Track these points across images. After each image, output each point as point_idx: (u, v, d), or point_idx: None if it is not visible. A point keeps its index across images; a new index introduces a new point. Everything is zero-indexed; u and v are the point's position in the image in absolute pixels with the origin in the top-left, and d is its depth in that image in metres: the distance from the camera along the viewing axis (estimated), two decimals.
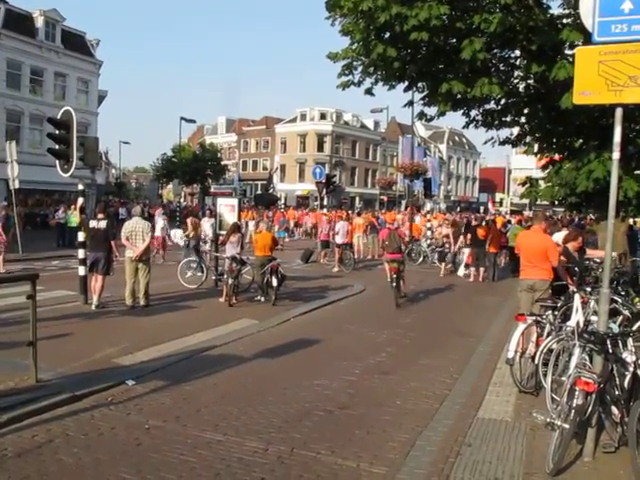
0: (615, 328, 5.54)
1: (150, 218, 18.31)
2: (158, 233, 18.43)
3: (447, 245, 19.32)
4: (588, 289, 7.07)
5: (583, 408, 4.53)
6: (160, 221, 19.92)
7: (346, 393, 6.70)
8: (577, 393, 4.52)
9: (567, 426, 4.54)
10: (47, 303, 10.30)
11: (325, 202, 26.13)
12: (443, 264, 18.75)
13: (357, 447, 5.16)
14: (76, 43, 38.26)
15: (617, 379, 4.90)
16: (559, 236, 9.98)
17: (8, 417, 5.29)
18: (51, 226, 24.60)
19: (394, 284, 12.74)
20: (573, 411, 4.53)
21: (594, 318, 6.26)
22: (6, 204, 22.41)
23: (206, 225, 16.65)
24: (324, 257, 20.99)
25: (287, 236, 29.45)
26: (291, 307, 11.96)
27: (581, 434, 4.86)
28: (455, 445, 5.23)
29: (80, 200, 12.01)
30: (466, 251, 18.28)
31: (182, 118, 40.84)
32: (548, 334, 6.66)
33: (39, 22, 35.78)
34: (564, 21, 10.43)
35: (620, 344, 5.22)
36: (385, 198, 69.57)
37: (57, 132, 11.32)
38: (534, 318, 6.87)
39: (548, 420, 4.76)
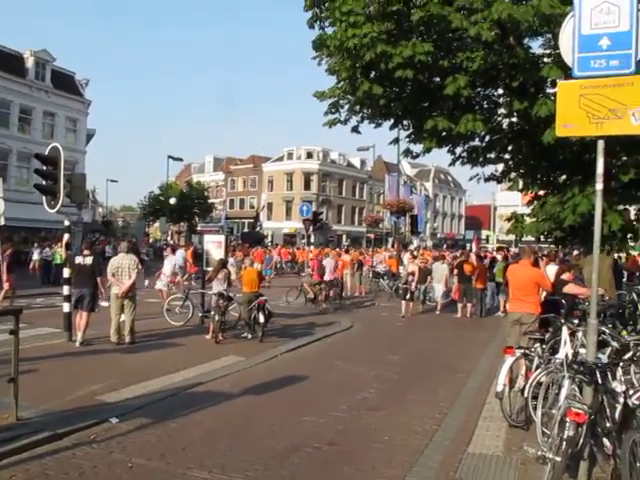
0: (604, 359, 5.52)
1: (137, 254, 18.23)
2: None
3: (412, 282, 17.46)
4: (575, 321, 7.07)
5: (575, 440, 4.46)
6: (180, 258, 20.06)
7: (334, 429, 6.58)
8: (568, 424, 4.47)
9: (559, 459, 4.46)
10: (31, 340, 10.14)
11: (312, 239, 26.12)
12: (404, 303, 17.12)
13: None
14: (66, 83, 38.65)
15: (608, 410, 4.85)
16: (551, 270, 10.05)
17: (12, 447, 5.13)
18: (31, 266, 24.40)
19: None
20: (565, 443, 4.45)
21: (583, 350, 6.23)
22: None
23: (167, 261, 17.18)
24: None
25: (273, 273, 29.34)
26: (278, 344, 11.83)
27: (573, 467, 4.78)
28: None
29: (66, 236, 11.94)
30: (436, 287, 18.56)
31: (170, 156, 41.18)
32: (537, 367, 6.62)
33: (29, 62, 36.19)
34: (545, 60, 10.72)
35: (609, 375, 5.20)
36: (372, 235, 69.73)
37: (44, 168, 11.31)
38: (522, 351, 6.85)
39: (539, 453, 4.67)
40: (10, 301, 15.76)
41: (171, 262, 17.22)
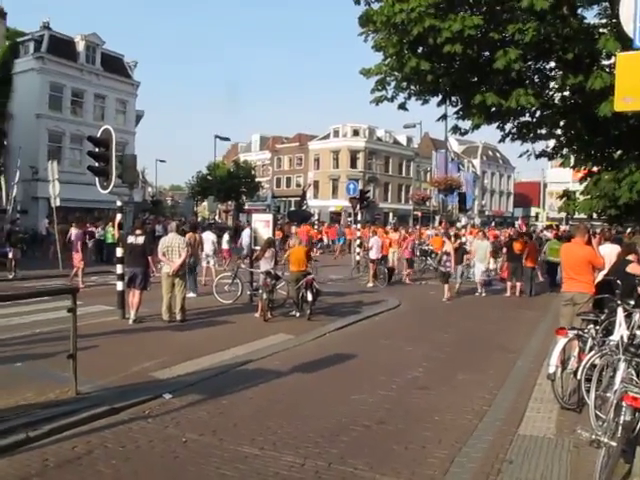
0: None
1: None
2: (225, 246, 20.91)
3: (448, 264, 16.28)
4: (632, 302, 6.85)
5: (631, 425, 4.35)
6: (226, 236, 21.84)
7: (383, 408, 6.61)
8: (624, 409, 4.35)
9: (614, 444, 4.36)
10: (86, 318, 10.46)
11: (359, 218, 26.06)
12: (446, 286, 16.12)
13: (395, 463, 5.07)
14: (115, 65, 39.36)
15: None
16: (609, 249, 9.76)
17: (49, 428, 5.37)
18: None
19: None
20: (620, 428, 4.35)
21: (639, 332, 6.07)
22: (48, 221, 23.09)
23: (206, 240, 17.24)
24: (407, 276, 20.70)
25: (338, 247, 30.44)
26: (326, 322, 11.91)
27: (629, 452, 4.66)
28: (496, 462, 5.09)
29: (118, 216, 12.24)
30: (478, 266, 17.49)
31: (217, 136, 41.54)
32: (590, 349, 6.47)
33: (80, 46, 36.98)
34: (600, 30, 10.32)
35: None
36: (419, 213, 69.10)
37: (97, 150, 11.59)
38: (575, 332, 6.69)
39: (593, 437, 4.58)
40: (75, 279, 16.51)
41: (210, 241, 17.62)
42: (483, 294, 17.14)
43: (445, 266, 16.37)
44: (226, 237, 21.64)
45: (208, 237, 17.67)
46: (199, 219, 51.58)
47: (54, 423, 5.49)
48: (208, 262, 17.43)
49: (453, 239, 18.00)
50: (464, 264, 17.90)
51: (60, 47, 35.57)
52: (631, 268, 8.17)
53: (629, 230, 23.43)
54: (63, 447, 5.17)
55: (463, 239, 25.62)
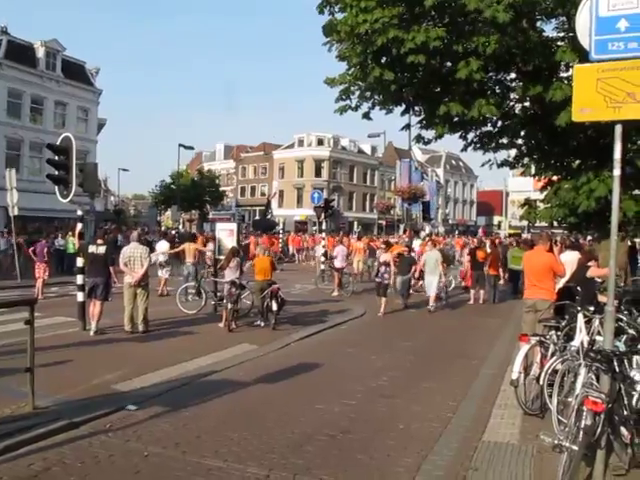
0: (621, 346, 5.46)
1: (149, 244, 18.49)
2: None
3: (386, 275, 14.75)
4: (591, 308, 7.00)
5: (592, 429, 4.42)
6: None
7: (348, 417, 6.58)
8: (585, 413, 4.42)
9: (576, 448, 4.42)
10: (45, 330, 10.20)
11: (324, 226, 26.09)
12: (383, 299, 14.70)
13: (361, 472, 5.05)
14: (76, 72, 38.68)
15: (625, 399, 4.81)
16: (569, 256, 9.96)
17: (4, 445, 5.18)
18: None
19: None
20: (582, 432, 4.41)
21: (599, 338, 6.19)
22: (6, 231, 22.50)
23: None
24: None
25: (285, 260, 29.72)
26: (291, 331, 11.85)
27: (590, 456, 4.73)
28: (461, 469, 5.11)
29: (79, 226, 11.98)
30: (428, 280, 15.65)
31: (180, 145, 41.18)
32: (552, 354, 6.57)
33: (40, 52, 36.23)
34: (558, 43, 10.58)
35: (627, 363, 5.14)
36: (384, 222, 69.72)
37: (56, 158, 11.34)
38: (537, 338, 6.80)
39: (556, 442, 4.64)
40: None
41: (163, 250, 17.59)
42: (431, 309, 15.39)
43: (383, 278, 14.83)
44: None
45: (161, 247, 17.55)
46: (162, 228, 50.98)
47: (9, 440, 5.30)
48: (161, 272, 16.95)
49: (384, 247, 16.92)
50: (410, 274, 16.08)
51: (19, 53, 34.76)
52: (591, 272, 8.37)
53: (589, 238, 24.04)
54: (19, 464, 4.99)
55: (427, 248, 25.93)
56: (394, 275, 15.16)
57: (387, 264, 14.93)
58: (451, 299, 17.79)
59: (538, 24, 10.73)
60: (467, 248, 24.86)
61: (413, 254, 20.05)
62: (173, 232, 40.79)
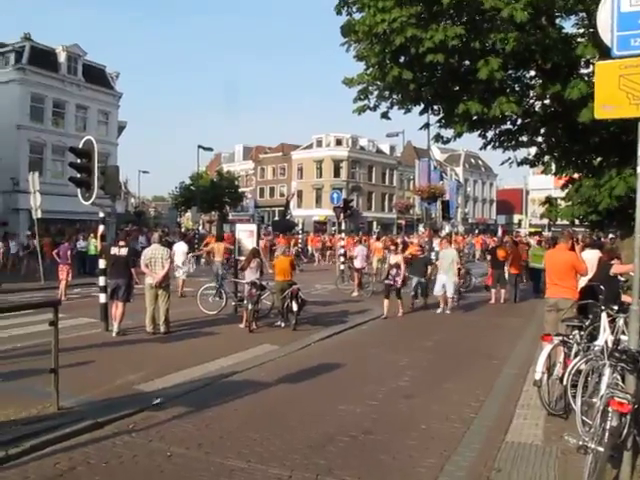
0: None
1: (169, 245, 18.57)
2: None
3: (397, 278, 14.23)
4: (615, 307, 6.90)
5: (618, 430, 4.36)
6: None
7: (370, 418, 6.57)
8: (611, 414, 4.36)
9: (602, 449, 4.37)
10: (68, 331, 10.32)
11: (343, 227, 26.06)
12: (386, 301, 14.22)
13: (383, 473, 5.04)
14: (97, 76, 39.16)
15: None
16: (590, 254, 9.84)
17: (31, 444, 5.26)
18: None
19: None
20: (607, 433, 4.36)
21: (623, 337, 6.11)
22: (30, 233, 22.86)
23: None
24: None
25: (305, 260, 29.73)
26: (312, 332, 11.87)
27: (616, 458, 4.67)
28: (484, 470, 5.08)
29: (101, 228, 12.14)
30: (441, 278, 15.15)
31: (200, 146, 41.39)
32: (576, 354, 6.50)
33: (62, 57, 36.72)
34: (578, 40, 10.44)
35: None
36: (403, 222, 69.46)
37: (79, 161, 11.49)
38: (560, 338, 6.72)
39: (580, 443, 4.59)
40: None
41: (181, 252, 17.46)
42: (447, 311, 14.95)
43: (394, 280, 14.25)
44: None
45: (179, 248, 17.55)
46: (182, 229, 51.34)
47: (35, 439, 5.38)
48: (179, 273, 16.96)
49: (400, 249, 16.02)
50: (427, 275, 15.93)
51: (41, 58, 35.29)
52: (615, 269, 8.25)
53: (610, 236, 23.70)
54: (45, 464, 5.06)
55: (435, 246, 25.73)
56: (406, 277, 14.79)
57: (398, 266, 14.39)
58: (472, 298, 17.68)
59: (557, 21, 10.59)
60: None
61: (433, 254, 19.79)
62: (192, 233, 41.09)
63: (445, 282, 15.02)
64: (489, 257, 18.73)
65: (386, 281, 14.67)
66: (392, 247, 16.42)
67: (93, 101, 38.63)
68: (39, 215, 20.18)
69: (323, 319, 13.53)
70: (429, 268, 16.14)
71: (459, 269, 16.79)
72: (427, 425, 6.32)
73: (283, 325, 12.31)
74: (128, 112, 44.49)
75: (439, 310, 14.96)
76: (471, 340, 11.60)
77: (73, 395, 6.74)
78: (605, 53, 5.42)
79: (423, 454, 5.47)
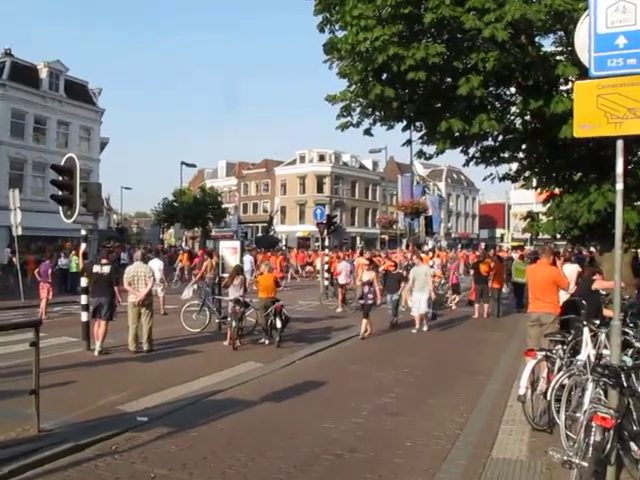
0: (629, 361, 5.44)
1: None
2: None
3: (370, 295, 13.56)
4: (597, 322, 6.98)
5: (601, 445, 4.39)
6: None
7: (355, 436, 6.54)
8: (594, 429, 4.40)
9: (586, 464, 4.40)
10: (50, 350, 10.20)
11: (327, 242, 26.09)
12: (365, 321, 13.51)
13: None
14: (79, 92, 39.02)
15: (634, 413, 4.79)
16: (570, 269, 9.95)
17: (9, 469, 5.15)
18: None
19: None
20: (591, 448, 4.39)
21: (605, 352, 6.17)
22: (11, 251, 22.58)
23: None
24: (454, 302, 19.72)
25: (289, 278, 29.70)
26: (296, 349, 11.82)
27: (600, 472, 4.69)
28: None
29: (83, 246, 12.05)
30: (416, 297, 14.43)
31: (183, 162, 41.38)
32: (559, 369, 6.55)
33: (43, 73, 36.57)
34: (557, 57, 10.64)
35: (634, 377, 5.12)
36: (386, 237, 69.73)
37: (60, 178, 11.41)
38: (544, 353, 6.77)
39: (565, 458, 4.61)
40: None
41: (157, 269, 16.56)
42: (424, 328, 14.49)
43: (367, 298, 13.59)
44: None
45: (155, 265, 16.84)
46: (165, 246, 51.07)
47: (15, 463, 5.27)
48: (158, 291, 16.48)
49: (367, 264, 15.18)
50: (400, 291, 15.39)
51: (22, 74, 35.12)
52: (597, 284, 8.34)
53: (591, 249, 23.95)
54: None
55: (430, 262, 25.88)
56: (380, 294, 14.28)
57: (370, 283, 13.77)
58: (455, 313, 17.74)
59: (537, 39, 10.79)
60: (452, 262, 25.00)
61: (434, 268, 19.76)
62: (173, 250, 40.91)
63: (420, 299, 14.39)
64: (472, 272, 18.82)
65: (360, 301, 14.14)
66: (365, 262, 15.28)
67: (75, 117, 38.46)
68: (19, 232, 19.96)
69: (307, 336, 13.48)
70: (401, 284, 15.51)
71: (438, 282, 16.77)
72: (412, 442, 6.30)
73: (267, 342, 12.25)
74: (110, 128, 44.45)
75: (414, 330, 14.33)
76: (455, 356, 11.62)
77: (54, 417, 6.63)
78: (584, 72, 5.53)
79: (409, 472, 5.45)
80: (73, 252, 22.35)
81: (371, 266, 15.38)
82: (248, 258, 22.62)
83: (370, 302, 13.60)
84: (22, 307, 17.74)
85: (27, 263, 20.96)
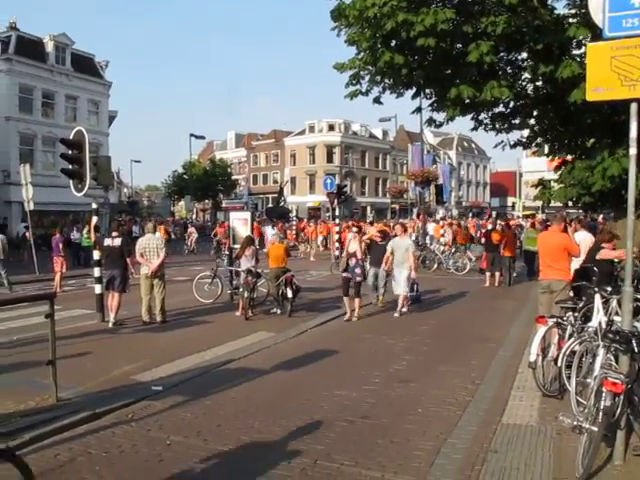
0: None
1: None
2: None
3: (357, 270, 11.75)
4: (609, 289, 6.95)
5: (611, 410, 4.42)
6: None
7: (367, 402, 6.62)
8: (604, 394, 4.42)
9: (595, 429, 4.43)
10: (65, 322, 10.35)
11: (337, 212, 26.07)
12: (346, 300, 11.94)
13: (381, 457, 5.08)
14: (86, 65, 38.86)
15: None
16: (582, 236, 9.88)
17: (30, 436, 5.28)
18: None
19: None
20: (601, 413, 4.42)
21: (617, 318, 6.15)
22: (25, 225, 22.76)
23: None
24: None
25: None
26: (307, 318, 11.91)
27: (610, 437, 4.74)
28: (481, 452, 5.13)
29: (94, 219, 12.09)
30: (397, 272, 12.29)
31: (192, 135, 41.30)
32: (570, 336, 6.55)
33: (49, 47, 36.40)
34: (570, 20, 10.42)
35: None
36: (397, 206, 69.52)
37: (70, 152, 11.42)
38: (555, 320, 6.78)
39: (575, 423, 4.65)
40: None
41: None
42: (404, 310, 12.40)
43: (353, 273, 11.74)
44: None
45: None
46: (177, 218, 51.26)
47: (35, 431, 5.40)
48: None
49: (355, 233, 12.48)
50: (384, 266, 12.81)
51: (28, 48, 34.97)
52: (602, 254, 8.29)
53: (601, 217, 23.76)
54: (45, 455, 5.09)
55: (442, 231, 25.74)
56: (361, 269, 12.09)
57: (354, 255, 11.82)
58: (467, 282, 17.75)
59: (549, 1, 10.56)
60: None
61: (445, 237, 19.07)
62: (183, 222, 41.03)
63: (399, 277, 12.35)
64: (483, 240, 18.77)
65: (344, 274, 11.93)
66: (354, 229, 12.98)
67: (83, 91, 38.37)
68: (32, 207, 20.08)
69: (318, 305, 13.57)
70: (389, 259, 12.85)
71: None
72: (424, 409, 6.37)
73: (279, 312, 12.34)
74: (119, 101, 44.50)
75: (396, 314, 12.30)
76: (466, 324, 11.66)
77: (71, 386, 6.77)
78: (597, 34, 5.41)
79: (420, 437, 5.52)
80: (86, 226, 22.49)
81: (360, 235, 12.88)
82: (272, 231, 22.88)
83: (358, 279, 11.78)
84: (37, 281, 17.96)
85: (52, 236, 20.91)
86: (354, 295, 11.87)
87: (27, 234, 22.10)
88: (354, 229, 13.02)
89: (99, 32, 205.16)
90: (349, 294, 11.89)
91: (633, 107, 4.76)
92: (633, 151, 4.80)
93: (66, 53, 37.47)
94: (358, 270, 11.79)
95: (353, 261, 11.80)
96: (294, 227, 35.60)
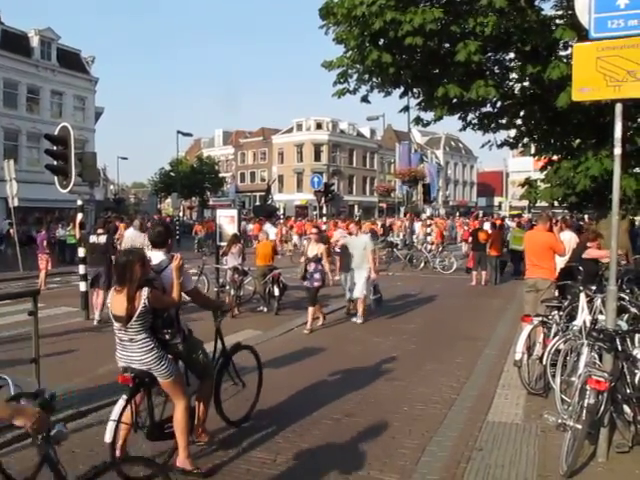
0: (624, 325, 5.48)
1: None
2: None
3: (317, 275, 10.69)
4: (593, 287, 7.02)
5: (595, 407, 4.46)
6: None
7: (353, 401, 6.62)
8: (588, 392, 4.46)
9: (579, 426, 4.47)
10: (49, 320, 10.27)
11: (324, 211, 26.10)
12: (311, 309, 10.73)
13: (366, 455, 5.08)
14: (71, 61, 38.46)
15: (628, 377, 4.85)
16: (568, 235, 9.95)
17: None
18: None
19: None
20: (585, 411, 4.46)
21: (601, 317, 6.21)
22: (9, 222, 22.53)
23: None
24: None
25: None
26: (294, 316, 11.90)
27: (594, 434, 4.79)
28: (466, 450, 5.16)
29: (79, 216, 11.98)
30: (357, 275, 11.28)
31: (179, 132, 40.92)
32: (555, 334, 6.61)
33: (34, 41, 35.99)
34: (557, 22, 10.49)
35: (629, 341, 5.17)
36: (384, 205, 69.68)
37: (55, 148, 11.31)
38: (540, 319, 6.84)
39: (559, 421, 4.69)
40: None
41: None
42: (358, 321, 11.30)
43: (312, 279, 10.71)
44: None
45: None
46: (163, 216, 50.97)
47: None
48: None
49: (315, 233, 11.62)
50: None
51: (13, 42, 34.56)
52: (588, 253, 8.36)
53: (586, 217, 23.94)
54: (27, 455, 5.01)
55: (428, 230, 25.82)
56: (332, 272, 11.42)
57: (316, 259, 10.78)
58: (453, 281, 17.82)
59: (536, 2, 10.62)
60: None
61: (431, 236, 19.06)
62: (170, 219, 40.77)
63: (357, 280, 11.31)
64: (470, 239, 18.86)
65: (305, 282, 10.92)
66: (313, 230, 11.97)
67: (68, 86, 38.00)
68: (16, 204, 19.87)
69: (305, 303, 13.50)
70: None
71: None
72: (410, 407, 6.39)
73: (265, 310, 12.32)
74: (105, 98, 43.99)
75: (356, 319, 11.42)
76: (453, 322, 11.71)
77: (55, 385, 6.67)
78: (583, 36, 5.45)
79: (406, 435, 5.54)
80: (71, 223, 22.31)
81: (319, 237, 11.55)
82: (272, 230, 22.80)
83: (317, 284, 10.73)
84: (21, 278, 17.78)
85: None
86: (308, 302, 10.90)
87: (11, 231, 21.90)
88: (314, 230, 12.05)
89: (84, 28, 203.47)
90: (312, 304, 10.80)
91: (618, 107, 4.80)
92: (618, 151, 4.84)
93: (52, 48, 37.09)
94: (317, 275, 10.72)
95: (312, 266, 10.76)
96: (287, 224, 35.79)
